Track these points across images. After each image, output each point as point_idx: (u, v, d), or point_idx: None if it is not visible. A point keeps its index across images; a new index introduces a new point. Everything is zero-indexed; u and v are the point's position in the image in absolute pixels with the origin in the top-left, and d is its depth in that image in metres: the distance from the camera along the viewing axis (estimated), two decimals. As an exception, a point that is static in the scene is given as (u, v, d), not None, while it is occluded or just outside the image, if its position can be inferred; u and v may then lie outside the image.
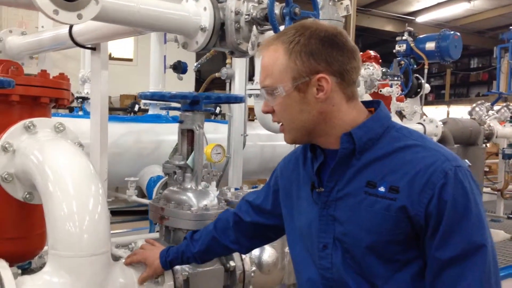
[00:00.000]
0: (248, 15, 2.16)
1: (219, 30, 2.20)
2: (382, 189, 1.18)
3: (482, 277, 1.14)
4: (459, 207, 1.14)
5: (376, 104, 1.32)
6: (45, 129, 1.84)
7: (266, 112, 1.31)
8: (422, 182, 1.15)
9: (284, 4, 2.14)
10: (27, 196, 1.79)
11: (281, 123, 1.30)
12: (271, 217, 1.57)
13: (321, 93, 1.22)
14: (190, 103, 2.20)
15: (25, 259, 2.02)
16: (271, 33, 2.16)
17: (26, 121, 1.80)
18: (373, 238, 1.18)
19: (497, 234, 4.86)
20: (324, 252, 1.26)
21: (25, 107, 1.90)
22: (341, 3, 3.43)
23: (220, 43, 2.25)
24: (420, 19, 15.77)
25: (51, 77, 2.07)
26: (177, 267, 1.86)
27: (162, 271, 1.73)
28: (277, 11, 2.12)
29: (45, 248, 2.08)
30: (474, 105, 6.68)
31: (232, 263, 2.10)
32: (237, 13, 2.16)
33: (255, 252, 2.36)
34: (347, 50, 1.25)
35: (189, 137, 2.23)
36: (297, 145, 1.46)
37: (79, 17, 1.76)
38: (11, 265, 1.65)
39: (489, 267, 1.15)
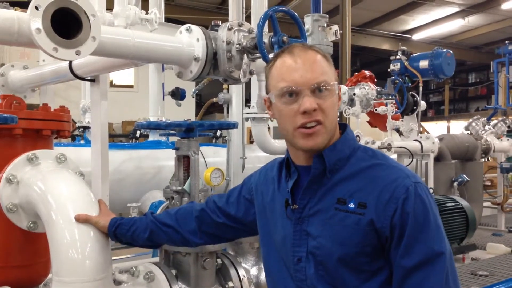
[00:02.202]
0: (239, 44, 2.26)
1: (212, 59, 2.30)
2: (351, 205, 1.28)
3: (443, 280, 1.22)
4: (420, 218, 1.24)
5: (342, 126, 1.42)
6: (47, 160, 1.93)
7: (312, 109, 1.27)
8: (386, 197, 1.25)
9: (272, 33, 2.24)
10: (31, 225, 1.87)
11: (317, 124, 1.29)
12: (238, 222, 1.63)
13: (339, 101, 1.36)
14: (185, 131, 2.28)
15: (31, 286, 2.09)
16: (261, 61, 2.25)
17: (29, 153, 1.89)
18: (344, 250, 1.27)
19: (498, 248, 4.87)
20: (298, 265, 1.33)
21: (28, 140, 2.00)
22: (330, 28, 3.54)
23: (213, 72, 2.35)
24: (416, 36, 15.97)
25: (52, 109, 2.17)
26: (176, 289, 1.92)
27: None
28: (266, 40, 2.22)
29: (50, 275, 2.14)
30: (470, 120, 6.75)
31: (230, 284, 2.16)
32: (228, 42, 2.26)
33: (253, 271, 2.42)
34: None
35: (185, 163, 2.31)
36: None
37: (78, 53, 1.85)
38: (16, 292, 1.72)
39: (447, 271, 1.24)
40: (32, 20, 1.75)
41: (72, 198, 1.72)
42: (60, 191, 1.73)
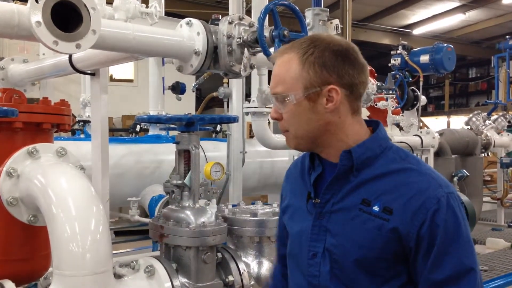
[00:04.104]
0: (240, 38, 2.25)
1: (213, 53, 2.29)
2: (376, 208, 1.22)
3: None
4: (451, 231, 1.19)
5: (374, 124, 1.37)
6: (47, 154, 1.92)
7: (275, 119, 1.33)
8: (415, 206, 1.19)
9: (273, 27, 2.23)
10: (32, 218, 1.87)
11: (286, 130, 1.33)
12: None
13: (330, 103, 1.25)
14: (185, 125, 2.28)
15: (31, 280, 2.09)
16: (262, 55, 2.25)
17: (30, 147, 1.89)
18: (362, 253, 1.23)
19: (497, 243, 4.89)
20: (313, 260, 1.30)
21: (28, 133, 1.99)
22: (331, 22, 3.52)
23: (214, 66, 2.34)
24: (416, 31, 15.93)
25: (52, 103, 2.17)
26: (177, 283, 1.93)
27: None
28: (266, 34, 2.21)
29: (50, 269, 2.15)
30: (470, 115, 6.75)
31: (230, 278, 2.16)
32: (229, 36, 2.25)
33: (253, 266, 2.42)
34: (358, 65, 1.29)
35: (185, 157, 2.31)
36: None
37: (78, 46, 1.85)
38: (17, 286, 1.72)
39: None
40: (32, 13, 1.74)
41: (72, 192, 1.72)
42: (61, 184, 1.73)
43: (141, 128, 6.63)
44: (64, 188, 1.72)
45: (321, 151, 1.34)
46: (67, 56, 2.56)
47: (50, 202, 1.67)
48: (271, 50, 2.27)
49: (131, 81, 10.97)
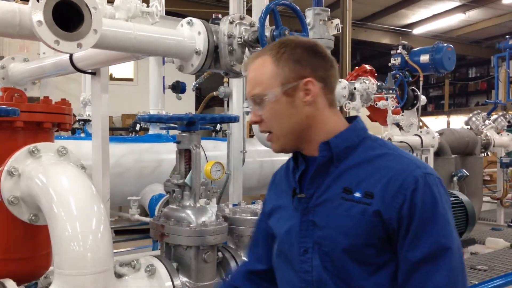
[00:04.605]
0: (241, 38, 2.26)
1: (213, 52, 2.29)
2: (358, 194, 1.24)
3: (449, 278, 1.20)
4: (428, 210, 1.20)
5: (353, 118, 1.40)
6: (48, 153, 1.92)
7: (255, 122, 1.37)
8: (394, 188, 1.21)
9: (274, 26, 2.23)
10: (33, 217, 1.87)
11: (269, 133, 1.35)
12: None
13: (308, 96, 1.30)
14: (186, 124, 2.28)
15: (31, 279, 2.09)
16: (263, 54, 2.25)
17: (31, 146, 1.89)
18: (349, 241, 1.24)
19: (497, 243, 4.89)
20: (305, 256, 1.31)
21: (29, 133, 2.00)
22: (331, 22, 3.53)
23: (214, 65, 2.35)
24: (416, 31, 15.93)
25: (53, 102, 2.17)
26: (178, 282, 1.93)
27: None
28: (267, 33, 2.21)
29: (51, 268, 2.15)
30: (470, 115, 6.76)
31: (231, 277, 2.16)
32: (230, 36, 2.26)
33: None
34: (328, 59, 1.35)
35: (186, 156, 2.31)
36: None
37: (79, 46, 1.85)
38: (18, 285, 1.73)
39: (455, 267, 1.21)
40: (34, 13, 1.74)
41: (73, 191, 1.72)
42: (62, 184, 1.74)
43: (140, 127, 6.63)
44: (65, 187, 1.72)
45: (304, 148, 1.36)
46: (68, 55, 2.56)
47: (51, 201, 1.67)
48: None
49: (131, 80, 10.97)
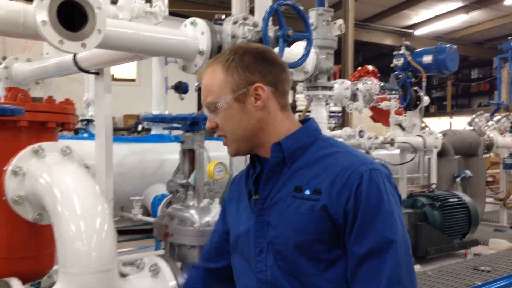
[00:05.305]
0: (244, 38, 2.26)
1: (217, 53, 2.29)
2: (307, 192, 1.28)
3: (394, 270, 1.21)
4: (372, 204, 1.23)
5: (307, 120, 1.44)
6: (52, 152, 1.93)
7: (211, 129, 1.41)
8: (340, 184, 1.25)
9: (278, 27, 2.24)
10: (37, 217, 1.87)
11: (224, 137, 1.40)
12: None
13: (259, 101, 1.33)
14: (190, 124, 2.29)
15: (35, 278, 2.10)
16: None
17: (35, 146, 1.89)
18: (300, 237, 1.26)
19: (500, 244, 4.88)
20: (260, 256, 1.34)
21: (33, 132, 2.00)
22: (335, 23, 3.53)
23: (218, 65, 2.34)
24: (418, 32, 15.93)
25: (56, 102, 2.17)
26: (182, 281, 1.92)
27: None
28: (271, 33, 2.22)
29: (54, 267, 2.15)
30: (473, 116, 6.74)
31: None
32: (233, 36, 2.26)
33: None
34: (277, 63, 1.38)
35: (190, 156, 2.32)
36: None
37: (83, 46, 1.85)
38: (22, 284, 1.73)
39: (399, 260, 1.21)
40: (38, 12, 1.75)
41: (77, 190, 1.72)
42: (66, 183, 1.74)
43: (142, 127, 6.64)
44: (69, 186, 1.72)
45: (259, 150, 1.39)
46: (71, 55, 2.57)
47: (55, 201, 1.68)
48: (276, 50, 2.28)
49: (133, 80, 10.99)
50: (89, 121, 5.37)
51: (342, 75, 10.24)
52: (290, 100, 4.90)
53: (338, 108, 10.14)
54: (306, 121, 1.43)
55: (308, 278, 1.28)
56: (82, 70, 2.59)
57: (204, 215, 2.20)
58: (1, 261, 1.64)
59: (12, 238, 1.92)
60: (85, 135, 5.37)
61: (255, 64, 1.34)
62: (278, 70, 1.37)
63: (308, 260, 1.27)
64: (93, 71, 2.64)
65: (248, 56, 1.35)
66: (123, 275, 2.07)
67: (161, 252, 2.98)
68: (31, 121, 1.94)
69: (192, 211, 2.21)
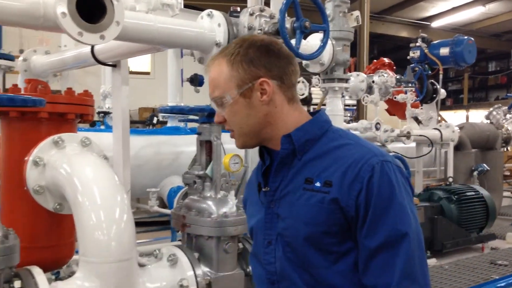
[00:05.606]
0: (261, 29, 2.25)
1: (234, 45, 2.29)
2: (318, 184, 1.26)
3: (407, 263, 1.20)
4: (384, 197, 1.21)
5: (317, 112, 1.42)
6: (72, 143, 1.95)
7: (219, 122, 1.40)
8: (352, 176, 1.23)
9: (294, 18, 2.22)
10: (57, 206, 1.90)
11: (232, 130, 1.38)
12: None
13: (264, 96, 1.31)
14: (207, 116, 2.29)
15: (55, 268, 2.13)
16: (283, 46, 2.24)
17: (55, 137, 1.92)
18: (309, 229, 1.25)
19: (517, 238, 4.83)
20: (268, 248, 1.34)
21: (53, 123, 2.03)
22: (351, 14, 3.50)
23: (234, 57, 2.34)
24: (435, 24, 15.72)
25: (75, 94, 2.20)
26: (199, 271, 1.94)
27: None
28: (288, 25, 2.20)
29: (73, 257, 2.19)
30: (491, 109, 6.65)
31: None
32: (250, 28, 2.25)
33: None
34: (283, 55, 1.35)
35: (207, 148, 2.32)
36: None
37: (102, 38, 1.86)
38: (43, 272, 1.75)
39: (412, 253, 1.20)
40: (58, 5, 1.76)
41: (97, 181, 1.74)
42: (86, 173, 1.76)
43: (158, 120, 6.68)
44: (89, 177, 1.74)
45: (268, 143, 1.38)
46: (89, 47, 2.59)
47: (76, 191, 1.70)
48: (292, 41, 2.27)
49: (147, 73, 11.04)
50: (106, 113, 5.41)
51: (357, 67, 10.17)
52: (306, 93, 4.88)
53: (353, 101, 10.09)
54: (316, 112, 1.42)
55: (318, 270, 1.27)
56: (99, 62, 2.61)
57: (221, 206, 2.21)
58: (22, 250, 1.67)
59: (34, 227, 1.95)
60: (102, 127, 5.42)
61: (260, 58, 1.32)
62: (284, 62, 1.35)
63: (317, 252, 1.26)
64: (110, 63, 2.65)
65: (253, 50, 1.33)
66: (140, 265, 2.09)
67: (178, 243, 3.01)
68: (51, 112, 1.97)
69: (210, 202, 2.22)
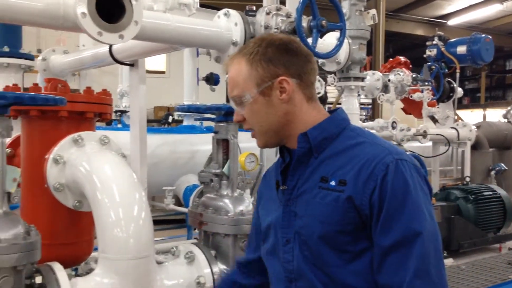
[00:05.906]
0: (277, 28, 2.26)
1: (250, 44, 2.30)
2: (333, 183, 1.27)
3: (421, 263, 1.19)
4: (398, 195, 1.20)
5: (335, 110, 1.43)
6: (91, 141, 1.98)
7: (238, 121, 1.42)
8: (366, 174, 1.23)
9: (311, 17, 2.23)
10: (77, 204, 1.93)
11: (252, 130, 1.40)
12: None
13: (284, 94, 1.32)
14: (224, 114, 2.31)
15: (74, 264, 2.17)
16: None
17: (75, 135, 1.95)
18: (324, 228, 1.26)
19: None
20: (287, 246, 1.34)
21: (73, 122, 2.06)
22: (368, 13, 3.49)
23: (251, 56, 2.35)
24: (451, 22, 15.55)
25: (94, 93, 2.23)
26: (216, 269, 1.96)
27: None
28: (304, 24, 2.20)
29: (92, 254, 2.22)
30: (509, 108, 6.57)
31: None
32: (267, 27, 2.26)
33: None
34: (302, 54, 1.37)
35: (224, 146, 2.34)
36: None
37: (121, 37, 1.88)
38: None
39: (427, 253, 1.19)
40: (78, 5, 1.79)
41: (116, 178, 1.76)
42: (105, 171, 1.79)
43: (173, 119, 6.71)
44: (108, 175, 1.77)
45: (287, 142, 1.39)
46: (107, 47, 2.62)
47: (95, 188, 1.73)
48: (309, 40, 2.27)
49: (163, 72, 11.09)
50: (123, 112, 5.46)
51: (372, 66, 10.11)
52: (322, 91, 4.87)
53: (368, 100, 10.03)
54: (333, 111, 1.42)
55: (333, 269, 1.27)
56: (117, 61, 2.63)
57: (238, 204, 2.23)
58: (42, 246, 1.70)
59: (54, 224, 1.98)
60: (119, 126, 5.47)
61: (279, 57, 1.33)
62: (303, 61, 1.36)
63: (332, 251, 1.27)
64: (128, 62, 2.68)
65: (272, 48, 1.34)
66: (158, 262, 2.12)
67: (193, 241, 3.02)
68: (70, 111, 2.00)
69: (227, 200, 2.23)
